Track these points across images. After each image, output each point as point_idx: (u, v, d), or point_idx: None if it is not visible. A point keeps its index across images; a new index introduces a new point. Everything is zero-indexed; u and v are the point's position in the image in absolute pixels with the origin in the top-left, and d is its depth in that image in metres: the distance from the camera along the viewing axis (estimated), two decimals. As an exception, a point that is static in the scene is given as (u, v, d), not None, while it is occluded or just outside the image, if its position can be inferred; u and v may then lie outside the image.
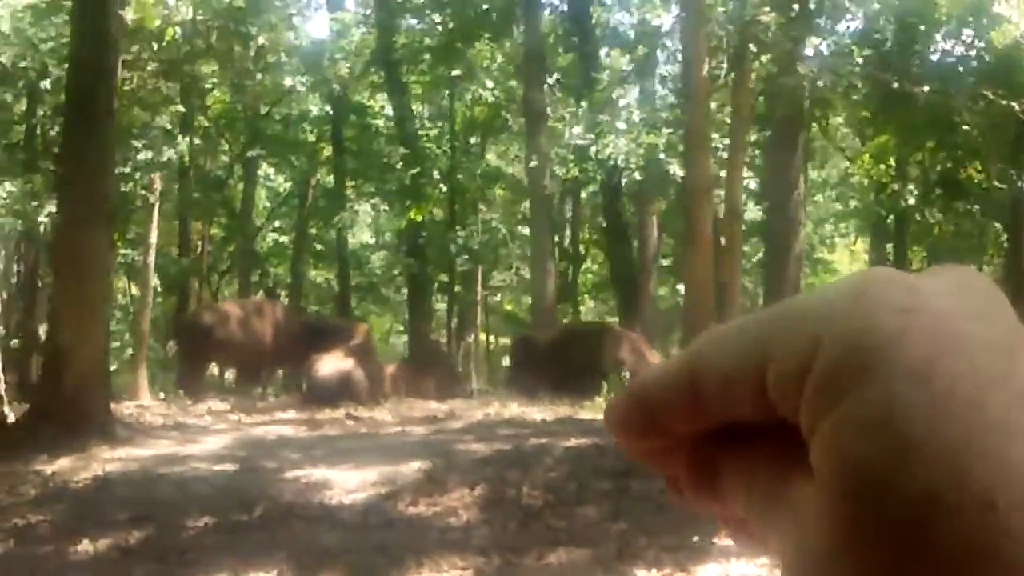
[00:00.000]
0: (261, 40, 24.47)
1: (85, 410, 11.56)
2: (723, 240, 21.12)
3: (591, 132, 26.58)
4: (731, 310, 22.09)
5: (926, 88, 23.65)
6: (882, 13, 24.72)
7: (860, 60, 22.67)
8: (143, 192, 22.70)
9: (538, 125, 28.53)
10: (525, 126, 29.74)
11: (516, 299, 41.30)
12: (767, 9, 20.32)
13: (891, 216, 31.61)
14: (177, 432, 12.75)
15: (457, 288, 36.32)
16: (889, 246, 33.03)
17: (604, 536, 7.40)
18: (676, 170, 26.48)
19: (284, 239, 33.34)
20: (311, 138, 32.42)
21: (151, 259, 22.79)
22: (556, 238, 30.60)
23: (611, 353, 20.69)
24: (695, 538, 7.07)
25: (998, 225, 29.45)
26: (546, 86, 30.41)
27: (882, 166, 30.65)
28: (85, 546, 8.31)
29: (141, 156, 22.20)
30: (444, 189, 33.71)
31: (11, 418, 12.14)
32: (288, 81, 29.12)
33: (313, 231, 33.24)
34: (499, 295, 37.35)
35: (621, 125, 26.97)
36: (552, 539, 7.48)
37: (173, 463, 10.51)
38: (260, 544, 7.90)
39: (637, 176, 26.82)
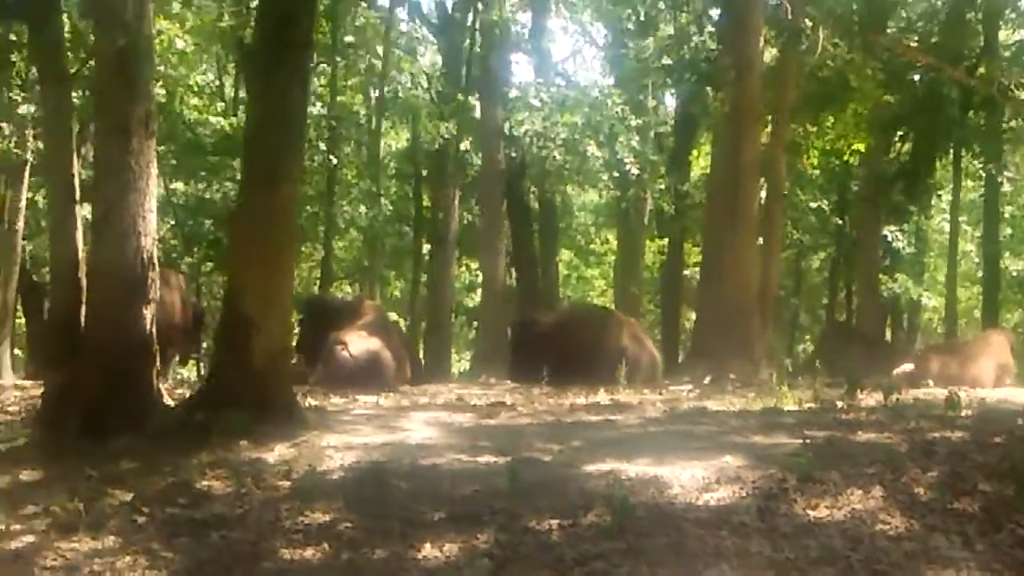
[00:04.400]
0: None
1: (273, 391, 10.00)
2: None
3: (503, 108, 25.84)
4: (771, 293, 21.44)
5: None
6: None
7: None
8: (16, 152, 19.39)
9: (493, 97, 27.38)
10: (479, 98, 28.48)
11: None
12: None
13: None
14: (361, 419, 11.24)
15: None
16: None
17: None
18: (594, 151, 25.91)
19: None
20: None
21: (20, 225, 19.86)
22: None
23: (615, 338, 19.63)
24: None
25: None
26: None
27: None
28: (429, 551, 6.93)
29: (22, 110, 18.93)
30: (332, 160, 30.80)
31: (166, 398, 10.44)
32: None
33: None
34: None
35: (534, 102, 26.27)
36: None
37: (418, 454, 9.10)
38: (671, 554, 6.65)
39: (556, 156, 26.16)
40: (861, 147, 26.28)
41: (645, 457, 8.57)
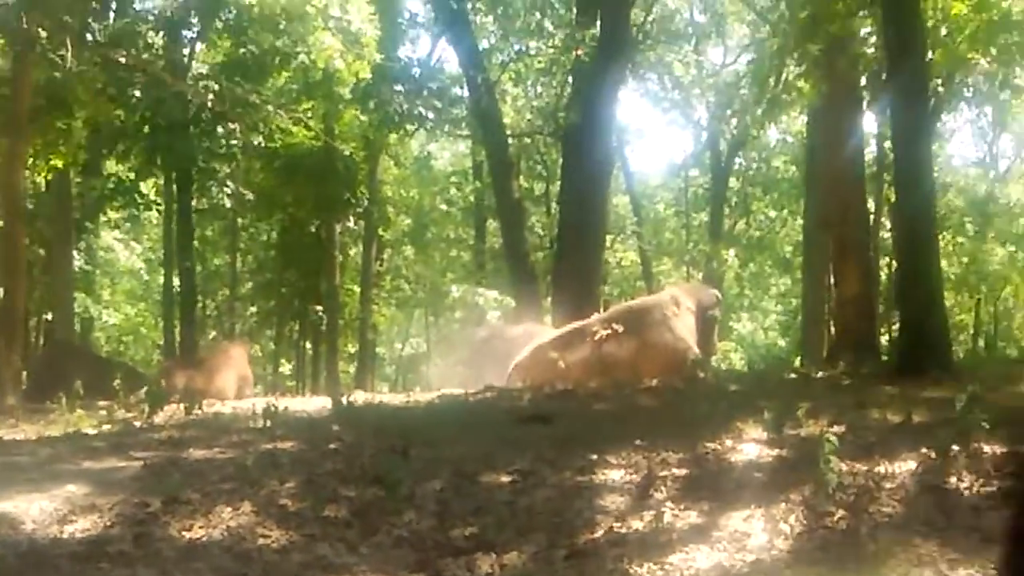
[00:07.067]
0: None
1: None
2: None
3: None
4: (17, 315, 20.28)
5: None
6: None
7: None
8: None
9: None
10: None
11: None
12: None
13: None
14: None
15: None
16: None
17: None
18: None
19: None
20: None
21: None
22: None
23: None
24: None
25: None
26: None
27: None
28: None
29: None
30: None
31: None
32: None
33: None
34: None
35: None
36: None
37: None
38: None
39: None
40: (59, 163, 25.38)
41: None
